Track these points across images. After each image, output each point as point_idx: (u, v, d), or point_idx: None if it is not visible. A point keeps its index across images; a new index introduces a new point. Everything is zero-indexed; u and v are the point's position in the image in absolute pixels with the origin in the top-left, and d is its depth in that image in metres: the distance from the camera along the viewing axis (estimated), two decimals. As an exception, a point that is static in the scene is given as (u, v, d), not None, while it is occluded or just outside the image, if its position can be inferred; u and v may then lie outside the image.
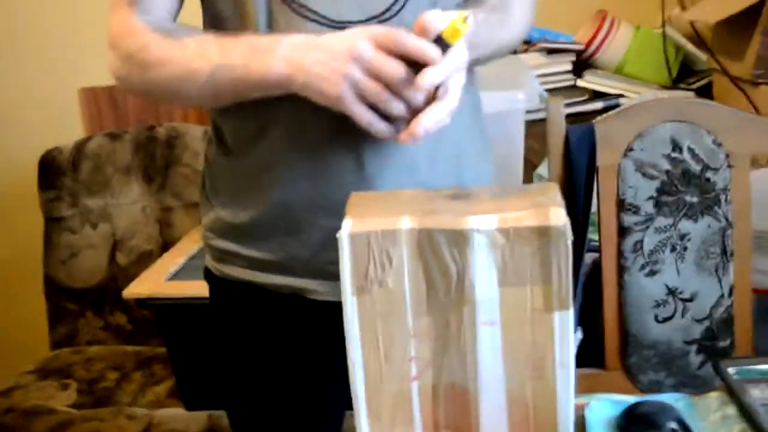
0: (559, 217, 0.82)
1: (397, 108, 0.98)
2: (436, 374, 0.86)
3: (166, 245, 2.55)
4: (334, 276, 0.85)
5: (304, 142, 1.09)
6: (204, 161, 1.28)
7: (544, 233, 0.81)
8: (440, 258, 0.82)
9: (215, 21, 1.12)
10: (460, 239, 0.81)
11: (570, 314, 0.83)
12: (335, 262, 0.83)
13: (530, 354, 0.84)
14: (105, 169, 2.61)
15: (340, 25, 1.05)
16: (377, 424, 0.87)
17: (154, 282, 2.12)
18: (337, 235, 0.82)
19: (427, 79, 0.96)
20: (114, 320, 2.59)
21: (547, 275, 0.82)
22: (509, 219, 0.82)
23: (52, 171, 2.60)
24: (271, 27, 1.07)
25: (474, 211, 0.84)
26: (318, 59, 0.98)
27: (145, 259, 2.53)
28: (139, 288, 2.10)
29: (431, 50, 0.96)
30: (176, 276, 2.15)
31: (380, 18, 1.07)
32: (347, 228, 0.83)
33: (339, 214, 0.85)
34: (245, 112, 1.11)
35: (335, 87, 0.97)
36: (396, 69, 0.96)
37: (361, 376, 0.86)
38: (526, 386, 0.85)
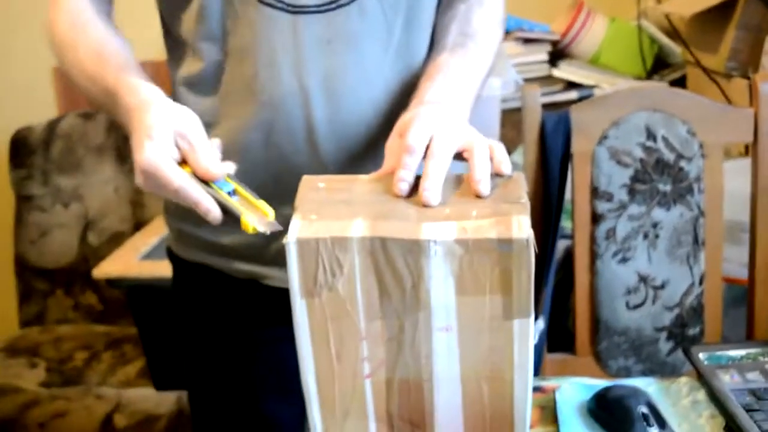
0: (521, 228, 0.77)
1: None
2: (389, 371, 0.83)
3: (138, 226, 2.54)
4: None
5: (260, 127, 1.06)
6: None
7: (505, 245, 0.76)
8: (394, 266, 0.78)
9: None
10: (415, 249, 0.77)
11: (530, 321, 0.79)
12: None
13: (488, 357, 0.81)
14: (77, 148, 2.59)
15: (296, 10, 1.01)
16: (330, 417, 0.86)
17: (126, 262, 2.10)
18: (284, 241, 0.78)
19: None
20: (84, 300, 2.57)
21: (508, 285, 0.78)
22: (469, 229, 0.77)
23: (24, 150, 2.58)
24: (226, 11, 1.02)
25: (431, 217, 0.80)
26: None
27: (117, 240, 2.51)
28: (110, 267, 2.09)
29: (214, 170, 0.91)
30: (148, 256, 2.13)
31: (339, 3, 1.02)
32: (295, 231, 0.79)
33: (293, 201, 0.84)
34: (204, 96, 1.08)
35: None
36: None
37: (312, 372, 0.83)
38: (482, 386, 0.83)
